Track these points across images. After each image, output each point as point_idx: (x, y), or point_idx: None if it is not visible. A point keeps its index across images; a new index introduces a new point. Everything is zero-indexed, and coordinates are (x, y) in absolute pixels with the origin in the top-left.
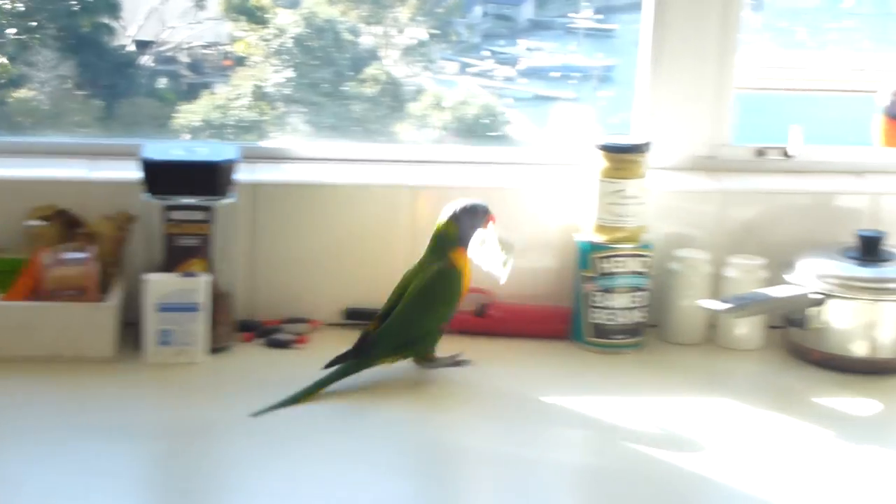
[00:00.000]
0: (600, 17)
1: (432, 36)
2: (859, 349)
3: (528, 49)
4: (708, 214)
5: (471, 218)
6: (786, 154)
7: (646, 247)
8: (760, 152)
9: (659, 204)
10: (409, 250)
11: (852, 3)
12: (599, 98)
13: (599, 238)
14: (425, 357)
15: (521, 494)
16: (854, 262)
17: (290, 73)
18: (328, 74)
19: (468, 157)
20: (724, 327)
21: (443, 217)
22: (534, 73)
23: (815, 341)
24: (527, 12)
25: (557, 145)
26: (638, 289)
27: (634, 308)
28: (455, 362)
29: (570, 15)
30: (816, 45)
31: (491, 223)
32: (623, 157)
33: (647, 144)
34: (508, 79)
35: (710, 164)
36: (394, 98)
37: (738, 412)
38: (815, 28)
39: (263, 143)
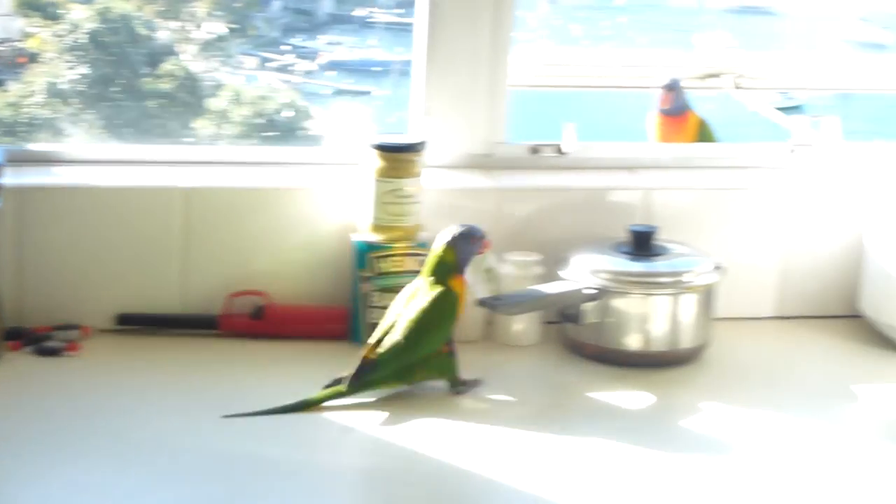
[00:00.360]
0: (401, 11)
1: (230, 30)
2: (633, 343)
3: (328, 43)
4: (484, 212)
5: (468, 243)
6: (560, 151)
7: (422, 245)
8: (535, 150)
9: (435, 202)
10: (183, 254)
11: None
12: (376, 97)
13: (376, 238)
14: (456, 382)
15: (291, 497)
16: (626, 257)
17: (84, 69)
18: (124, 70)
19: (247, 158)
20: (501, 324)
21: (439, 243)
22: (334, 68)
23: (590, 336)
24: (326, 6)
25: (337, 144)
26: None
27: None
28: (476, 382)
29: (369, 9)
30: (591, 41)
31: (487, 249)
32: (397, 156)
33: (421, 143)
34: (309, 73)
35: (485, 162)
36: (192, 94)
37: (516, 408)
38: (590, 24)
39: (31, 146)
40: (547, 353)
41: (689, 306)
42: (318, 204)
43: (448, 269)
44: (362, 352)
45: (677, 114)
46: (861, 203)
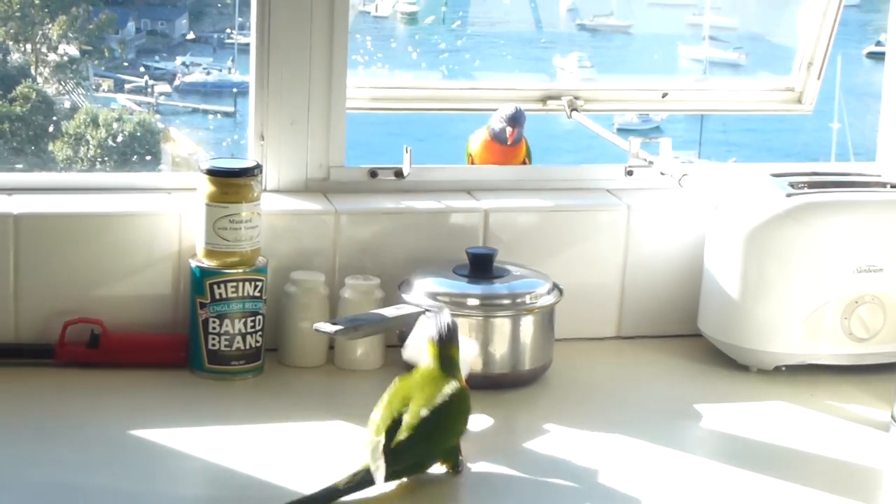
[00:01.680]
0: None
1: (84, 52)
2: (474, 365)
3: (185, 64)
4: (323, 236)
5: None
6: (399, 174)
7: (260, 271)
8: (373, 173)
9: (274, 226)
10: (16, 281)
11: (459, 23)
12: (211, 121)
13: (211, 263)
14: (457, 465)
15: None
16: (466, 280)
17: None
18: None
19: (84, 184)
20: (342, 348)
21: (442, 340)
22: (191, 89)
23: None
24: (182, 28)
25: (174, 169)
26: (254, 313)
27: (251, 333)
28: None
29: (227, 30)
30: (428, 64)
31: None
32: (230, 181)
33: (256, 168)
34: (165, 94)
35: (324, 186)
36: (46, 116)
37: (356, 434)
38: (428, 48)
39: None
40: (389, 377)
41: (529, 328)
42: (155, 229)
43: (454, 364)
44: (375, 442)
45: (514, 145)
46: (699, 223)
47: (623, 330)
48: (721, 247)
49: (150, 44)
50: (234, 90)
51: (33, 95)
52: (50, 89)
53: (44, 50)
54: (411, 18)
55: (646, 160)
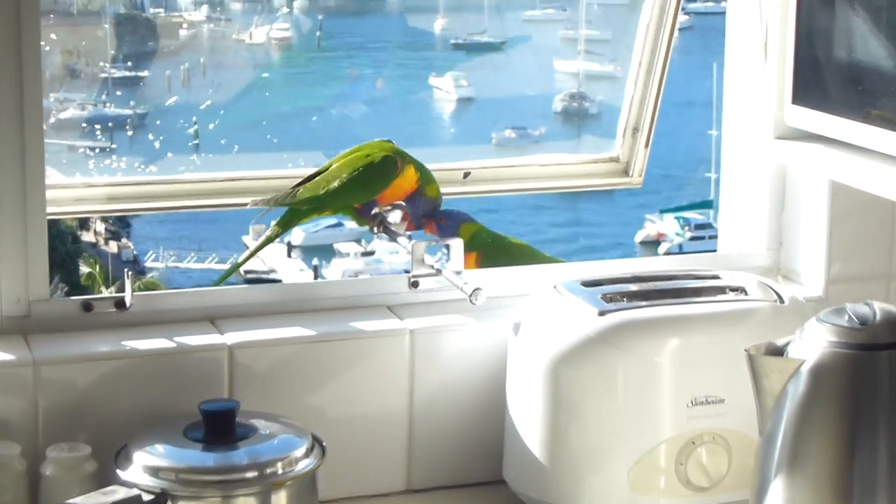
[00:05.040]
0: (129, 64)
1: None
2: None
3: (58, 101)
4: (19, 394)
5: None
6: (120, 305)
7: None
8: (87, 306)
9: None
10: None
11: (209, 102)
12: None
13: None
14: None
15: None
16: (199, 447)
17: None
18: None
19: None
20: None
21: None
22: (65, 126)
23: None
24: (54, 62)
25: None
26: None
27: None
28: None
29: (100, 63)
30: (175, 152)
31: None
32: None
33: None
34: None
35: (25, 326)
36: None
37: None
38: (172, 135)
39: None
40: None
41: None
42: None
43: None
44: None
45: None
46: (499, 348)
47: (414, 482)
48: (524, 378)
49: None
50: (110, 125)
51: None
52: None
53: None
54: (286, 45)
55: (433, 267)
